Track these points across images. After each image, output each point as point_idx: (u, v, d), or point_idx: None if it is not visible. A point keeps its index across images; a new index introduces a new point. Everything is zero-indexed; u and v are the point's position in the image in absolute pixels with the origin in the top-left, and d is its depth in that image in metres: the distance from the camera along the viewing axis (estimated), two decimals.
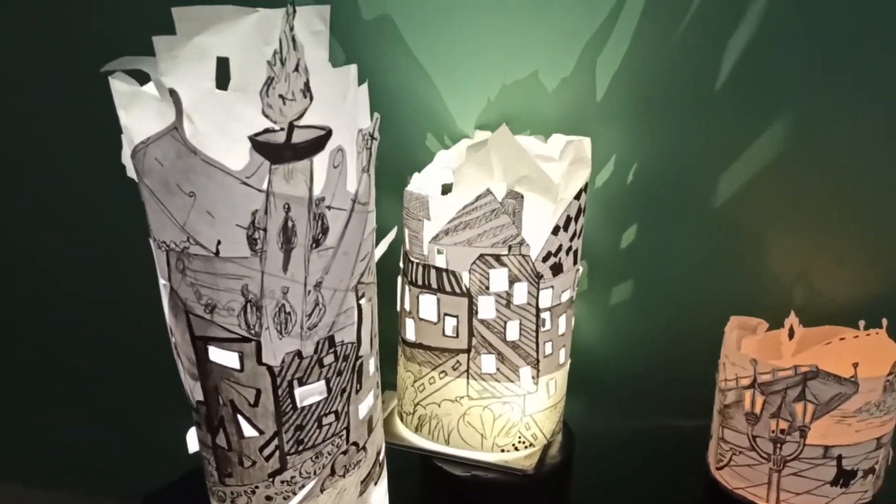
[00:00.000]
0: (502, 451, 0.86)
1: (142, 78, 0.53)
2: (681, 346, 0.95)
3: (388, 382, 0.88)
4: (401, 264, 0.87)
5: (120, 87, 0.53)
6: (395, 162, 0.94)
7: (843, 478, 0.80)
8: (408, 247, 0.84)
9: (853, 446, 0.79)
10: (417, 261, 0.83)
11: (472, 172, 0.79)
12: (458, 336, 0.83)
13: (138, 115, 0.52)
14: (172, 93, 0.49)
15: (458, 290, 0.81)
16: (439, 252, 0.80)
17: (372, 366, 0.64)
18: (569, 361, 0.90)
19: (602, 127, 0.91)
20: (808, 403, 0.78)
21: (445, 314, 0.83)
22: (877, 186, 0.86)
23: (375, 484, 0.68)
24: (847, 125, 0.85)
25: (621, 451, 1.00)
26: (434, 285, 0.82)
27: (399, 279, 0.88)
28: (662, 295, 0.96)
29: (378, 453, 0.68)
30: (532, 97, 0.92)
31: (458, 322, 0.82)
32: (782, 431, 0.79)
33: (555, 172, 0.81)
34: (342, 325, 0.59)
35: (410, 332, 0.86)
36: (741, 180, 0.89)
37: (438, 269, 0.81)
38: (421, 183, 0.85)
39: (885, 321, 0.83)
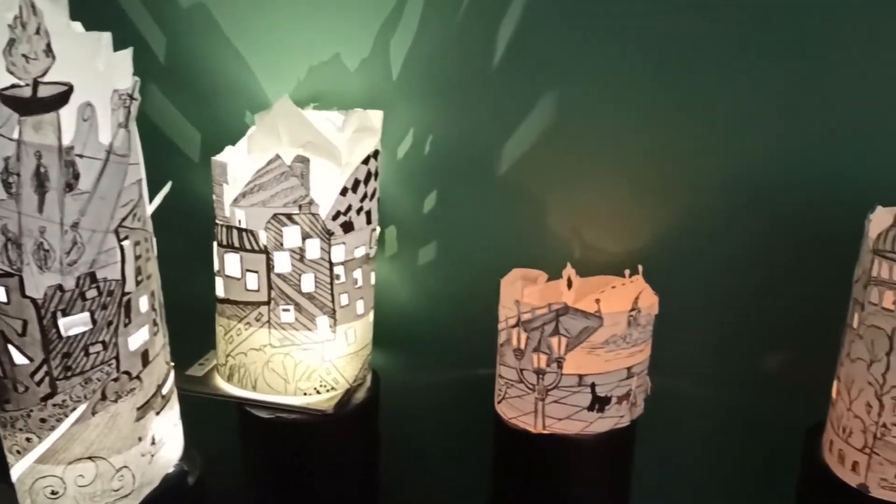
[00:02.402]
0: (305, 394, 0.94)
1: None
2: (479, 302, 1.05)
3: None
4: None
5: None
6: (213, 136, 1.03)
7: (598, 403, 0.90)
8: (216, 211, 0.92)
9: (604, 375, 0.90)
10: (222, 223, 0.91)
11: (261, 139, 0.88)
12: (258, 290, 0.91)
13: None
14: None
15: (256, 247, 0.90)
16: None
17: (145, 304, 0.72)
18: (371, 313, 0.99)
19: (400, 103, 1.01)
20: (561, 337, 0.88)
21: (247, 270, 0.91)
22: (634, 153, 0.98)
23: (158, 413, 0.76)
24: (607, 98, 0.97)
25: (423, 396, 1.10)
26: (236, 244, 0.91)
27: (214, 244, 0.96)
28: (461, 255, 1.06)
29: (160, 386, 0.76)
30: (336, 76, 1.01)
31: (258, 277, 0.91)
32: (543, 364, 0.89)
33: (339, 140, 0.90)
34: (104, 264, 0.67)
35: (220, 289, 0.94)
36: (522, 149, 1.00)
37: (239, 229, 0.90)
38: (233, 154, 0.94)
39: (640, 267, 0.95)
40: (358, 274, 0.95)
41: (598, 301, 0.88)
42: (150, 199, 0.75)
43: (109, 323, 0.69)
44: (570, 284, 0.99)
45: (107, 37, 0.65)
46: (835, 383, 0.87)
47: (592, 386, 0.90)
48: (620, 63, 0.95)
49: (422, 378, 1.11)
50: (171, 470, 0.79)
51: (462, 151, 1.02)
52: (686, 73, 0.93)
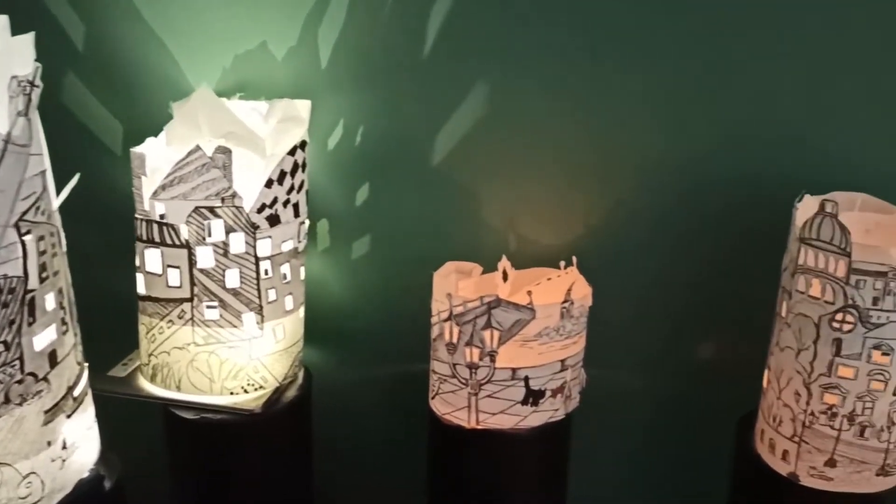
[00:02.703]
0: (231, 393, 0.91)
1: None
2: (413, 296, 1.02)
3: None
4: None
5: None
6: (136, 128, 0.99)
7: (532, 397, 0.89)
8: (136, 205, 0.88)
9: (538, 368, 0.88)
10: (141, 217, 0.88)
11: (180, 129, 0.85)
12: (181, 286, 0.88)
13: None
14: None
15: (177, 241, 0.87)
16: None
17: (51, 302, 0.68)
18: (301, 309, 0.96)
19: (329, 92, 0.98)
20: (493, 330, 0.87)
21: (168, 266, 0.88)
22: (570, 143, 0.97)
23: (69, 416, 0.72)
24: (541, 87, 0.95)
25: (357, 393, 1.07)
26: (157, 239, 0.87)
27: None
28: (394, 248, 1.04)
29: (72, 387, 0.72)
30: (263, 65, 0.98)
31: (180, 272, 0.87)
32: (476, 358, 0.88)
33: (263, 130, 0.87)
34: (4, 260, 0.63)
35: (141, 286, 0.90)
36: (454, 140, 0.98)
37: (160, 223, 0.86)
38: (153, 145, 0.90)
39: (574, 259, 0.94)
40: (286, 268, 0.92)
41: (529, 293, 0.87)
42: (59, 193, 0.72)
43: (11, 322, 0.65)
44: (505, 277, 0.97)
45: (3, 20, 0.62)
46: (765, 372, 0.87)
47: (526, 379, 0.88)
48: (555, 50, 0.94)
49: (356, 374, 1.08)
50: (85, 475, 0.76)
51: (394, 142, 1.00)
52: (621, 62, 0.93)
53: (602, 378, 0.98)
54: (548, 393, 0.90)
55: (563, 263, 0.95)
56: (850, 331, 0.76)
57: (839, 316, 0.76)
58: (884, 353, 0.76)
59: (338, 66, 0.97)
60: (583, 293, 0.90)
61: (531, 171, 0.99)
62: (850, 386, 0.77)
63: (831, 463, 0.80)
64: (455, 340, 0.89)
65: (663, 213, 0.97)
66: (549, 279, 0.99)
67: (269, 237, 0.89)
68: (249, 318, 0.90)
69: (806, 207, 0.80)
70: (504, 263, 0.97)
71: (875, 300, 0.75)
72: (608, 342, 0.98)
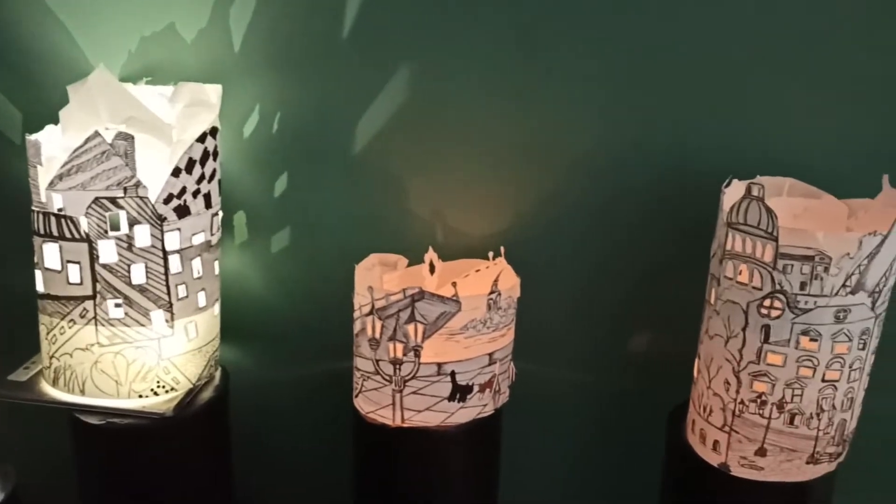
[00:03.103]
0: (140, 396, 0.86)
1: None
2: (337, 290, 0.98)
3: None
4: None
5: None
6: (35, 116, 0.92)
7: (459, 393, 0.86)
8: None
9: (464, 362, 0.85)
10: (38, 209, 0.82)
11: (77, 114, 0.79)
12: (81, 283, 0.82)
13: None
14: None
15: (77, 235, 0.81)
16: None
17: None
18: (216, 305, 0.91)
19: (243, 77, 0.93)
20: (417, 324, 0.83)
21: (68, 261, 0.82)
22: (497, 131, 0.93)
23: None
24: (466, 73, 0.92)
25: (278, 392, 1.03)
26: (55, 233, 0.81)
27: None
28: (316, 241, 0.99)
29: None
30: (172, 48, 0.92)
31: (80, 268, 0.82)
32: (400, 353, 0.84)
33: (168, 115, 0.82)
34: None
35: (40, 284, 0.84)
36: (377, 127, 0.94)
37: (57, 216, 0.80)
38: (50, 132, 0.84)
39: (503, 248, 0.91)
40: (198, 263, 0.87)
41: (454, 284, 0.83)
42: None
43: None
44: (432, 269, 0.94)
45: None
46: (696, 361, 0.85)
47: (452, 374, 0.85)
48: (479, 36, 0.90)
49: (277, 373, 1.04)
50: None
51: (314, 130, 0.95)
52: (553, 45, 0.89)
53: (533, 372, 0.96)
54: (475, 388, 0.87)
55: (491, 254, 0.93)
56: (778, 317, 0.75)
57: (767, 302, 0.75)
58: (812, 339, 0.75)
59: (252, 50, 0.92)
60: (510, 284, 0.87)
61: (459, 159, 0.95)
62: (778, 373, 0.76)
63: (762, 452, 0.79)
64: (378, 335, 0.85)
65: (596, 203, 0.95)
66: (477, 271, 0.96)
67: (178, 229, 0.84)
68: (158, 315, 0.84)
69: (733, 192, 0.79)
70: (431, 255, 0.93)
71: (802, 285, 0.73)
72: (539, 335, 0.96)
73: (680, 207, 0.91)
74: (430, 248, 0.93)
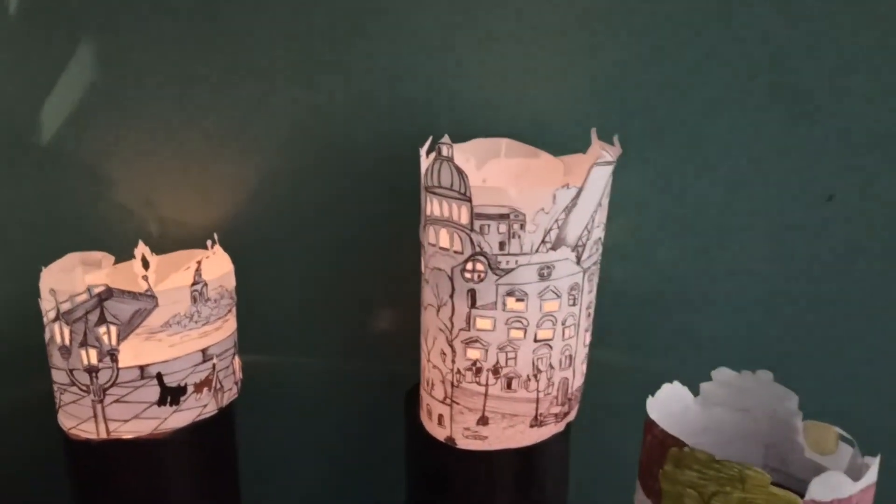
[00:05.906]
0: None
1: None
2: (31, 299, 0.88)
3: None
4: None
5: None
6: None
7: (170, 395, 0.78)
8: None
9: (172, 362, 0.78)
10: None
11: None
12: None
13: None
14: None
15: None
16: None
17: None
18: None
19: None
20: (110, 325, 0.75)
21: None
22: (202, 110, 0.86)
23: None
24: (160, 49, 0.84)
25: None
26: None
27: None
28: (7, 246, 0.89)
29: None
30: None
31: None
32: (95, 359, 0.76)
33: None
34: None
35: None
36: (64, 114, 0.86)
37: None
38: None
39: (215, 235, 0.84)
40: None
41: (145, 278, 0.76)
42: None
43: None
44: (146, 264, 0.86)
45: None
46: (421, 337, 0.82)
47: (159, 376, 0.78)
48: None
49: None
50: None
51: None
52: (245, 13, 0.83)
53: (263, 364, 0.90)
54: (190, 388, 0.80)
55: (209, 243, 0.86)
56: (481, 280, 0.72)
57: (469, 265, 0.72)
58: (518, 300, 0.73)
59: None
60: (219, 273, 0.81)
61: (164, 144, 0.88)
62: (490, 338, 0.74)
63: (483, 421, 0.76)
64: (68, 343, 0.76)
65: (315, 182, 0.89)
66: (198, 261, 0.88)
67: None
68: None
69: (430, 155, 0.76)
70: (142, 248, 0.85)
71: (501, 245, 0.71)
72: (267, 324, 0.90)
73: (392, 179, 0.88)
74: (140, 242, 0.85)
